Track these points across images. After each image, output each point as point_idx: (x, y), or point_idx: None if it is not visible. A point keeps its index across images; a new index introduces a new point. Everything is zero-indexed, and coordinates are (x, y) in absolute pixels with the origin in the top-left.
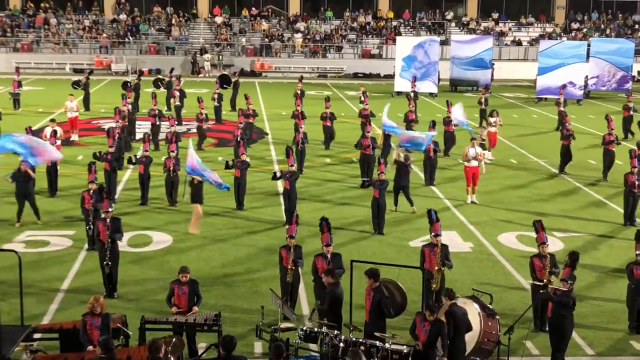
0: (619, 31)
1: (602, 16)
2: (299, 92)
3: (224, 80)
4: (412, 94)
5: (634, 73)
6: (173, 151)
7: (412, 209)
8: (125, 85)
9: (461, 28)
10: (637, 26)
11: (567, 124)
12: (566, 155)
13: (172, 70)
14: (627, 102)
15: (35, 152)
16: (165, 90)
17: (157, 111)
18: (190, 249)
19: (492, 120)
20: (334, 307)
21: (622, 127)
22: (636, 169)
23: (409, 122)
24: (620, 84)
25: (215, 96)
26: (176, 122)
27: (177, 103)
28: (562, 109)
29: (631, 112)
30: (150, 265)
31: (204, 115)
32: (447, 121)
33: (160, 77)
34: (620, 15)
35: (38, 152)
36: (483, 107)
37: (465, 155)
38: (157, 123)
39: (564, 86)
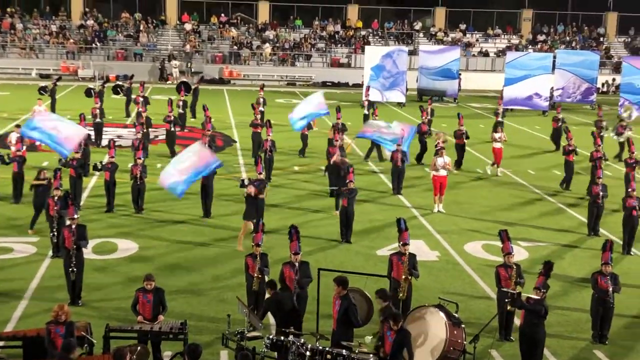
0: (584, 44)
1: (568, 29)
2: (261, 100)
3: (184, 87)
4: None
5: (599, 85)
6: (140, 158)
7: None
8: (88, 92)
9: (429, 38)
10: (601, 39)
11: (569, 140)
12: (568, 172)
13: (131, 76)
14: (556, 114)
15: (61, 141)
16: (125, 97)
17: (172, 117)
18: (156, 257)
19: (496, 135)
20: (288, 315)
21: (551, 138)
22: (600, 180)
23: (422, 134)
24: (585, 95)
25: (180, 103)
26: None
27: (140, 109)
28: (500, 119)
29: (559, 124)
30: (115, 272)
31: (172, 118)
32: (459, 134)
33: (119, 83)
34: (586, 28)
35: (64, 140)
36: (429, 117)
37: (433, 165)
38: (172, 129)
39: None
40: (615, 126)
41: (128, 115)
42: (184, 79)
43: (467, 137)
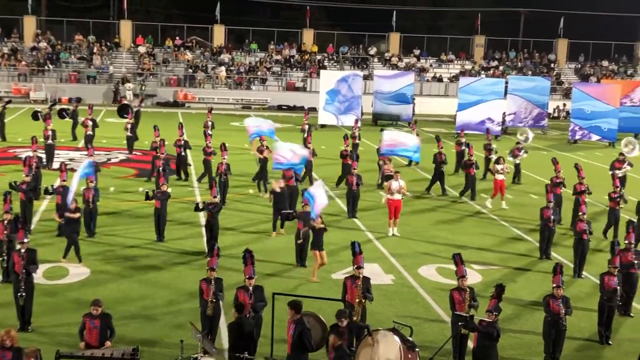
0: (535, 70)
1: (519, 54)
2: (209, 123)
3: (124, 110)
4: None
5: (550, 110)
6: (92, 181)
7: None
8: (35, 115)
9: (384, 63)
10: (552, 65)
11: (557, 172)
12: (560, 203)
13: (78, 100)
14: (459, 138)
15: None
16: (71, 120)
17: (183, 141)
18: (108, 281)
19: (498, 167)
20: (245, 340)
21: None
22: (551, 204)
23: (439, 164)
24: (537, 120)
25: (128, 126)
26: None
27: (89, 132)
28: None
29: (462, 147)
30: (66, 298)
31: (182, 142)
32: (469, 165)
33: (64, 107)
34: (537, 54)
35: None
36: (356, 141)
37: (388, 189)
38: (183, 153)
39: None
40: (512, 149)
41: (74, 138)
42: (125, 102)
43: (477, 167)
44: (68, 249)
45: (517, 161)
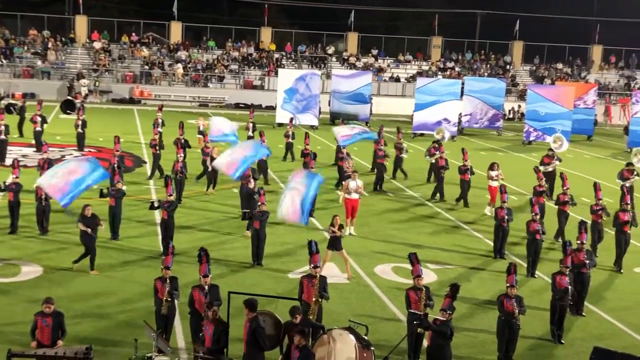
0: (491, 71)
1: (476, 56)
2: (160, 121)
3: (68, 106)
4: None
5: (505, 111)
6: None
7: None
8: (7, 109)
9: (342, 63)
10: (508, 67)
11: (539, 180)
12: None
13: (25, 95)
14: (398, 141)
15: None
16: (18, 116)
17: (183, 140)
18: (61, 280)
19: (492, 174)
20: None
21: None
22: (505, 204)
23: (439, 169)
24: (492, 121)
25: (79, 123)
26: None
27: (38, 128)
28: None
29: (403, 153)
30: (18, 296)
31: (182, 140)
32: (464, 170)
33: (12, 102)
34: (493, 56)
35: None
36: (289, 140)
37: (346, 188)
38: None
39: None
40: (428, 148)
41: (21, 134)
42: (69, 97)
43: (472, 173)
44: (84, 257)
45: (432, 160)
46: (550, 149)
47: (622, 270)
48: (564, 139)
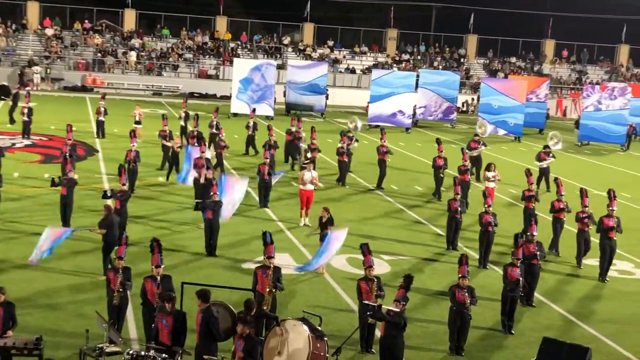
0: (445, 64)
1: (431, 49)
2: (102, 109)
3: (2, 92)
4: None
5: (459, 104)
6: None
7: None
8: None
9: (297, 53)
10: (462, 60)
11: (529, 184)
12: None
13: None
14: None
15: None
16: None
17: (167, 132)
18: (11, 270)
19: (489, 174)
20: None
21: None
22: (459, 196)
23: (437, 169)
24: (446, 114)
25: (25, 110)
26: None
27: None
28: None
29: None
30: None
31: (167, 132)
32: (463, 170)
33: None
34: (447, 48)
35: None
36: (251, 132)
37: (301, 179)
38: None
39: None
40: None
41: None
42: (4, 83)
43: (472, 174)
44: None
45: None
46: (476, 134)
47: (607, 280)
48: (487, 123)
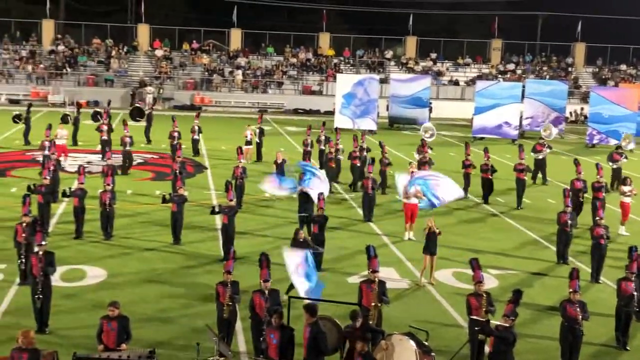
0: (552, 73)
1: (537, 58)
2: (196, 128)
3: (136, 113)
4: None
5: (567, 114)
6: (109, 184)
7: None
8: (64, 118)
9: (400, 67)
10: (570, 69)
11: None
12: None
13: (30, 105)
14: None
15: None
16: (24, 125)
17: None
18: (125, 284)
19: (625, 189)
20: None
21: None
22: (569, 208)
23: (576, 192)
24: (554, 124)
25: (104, 128)
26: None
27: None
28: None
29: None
30: (83, 300)
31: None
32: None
33: (17, 112)
34: (554, 58)
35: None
36: (322, 146)
37: (404, 193)
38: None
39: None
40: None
41: (27, 142)
42: (138, 104)
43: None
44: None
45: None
46: (541, 138)
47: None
48: (552, 127)
